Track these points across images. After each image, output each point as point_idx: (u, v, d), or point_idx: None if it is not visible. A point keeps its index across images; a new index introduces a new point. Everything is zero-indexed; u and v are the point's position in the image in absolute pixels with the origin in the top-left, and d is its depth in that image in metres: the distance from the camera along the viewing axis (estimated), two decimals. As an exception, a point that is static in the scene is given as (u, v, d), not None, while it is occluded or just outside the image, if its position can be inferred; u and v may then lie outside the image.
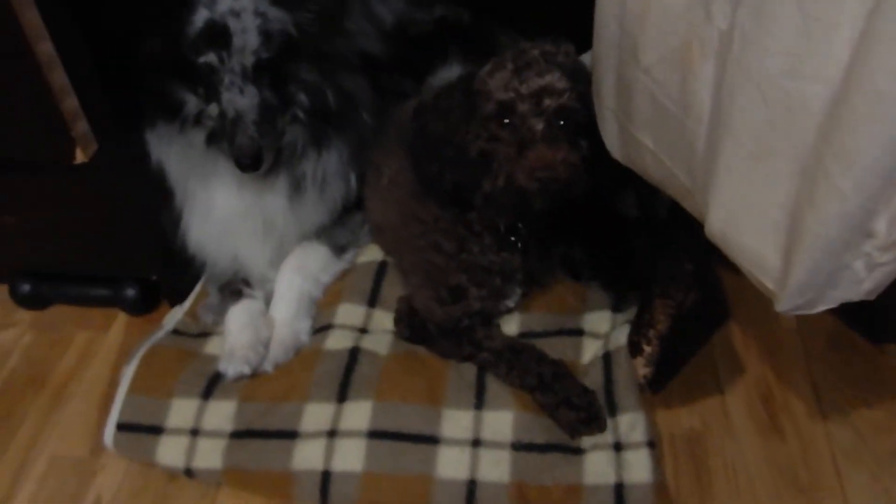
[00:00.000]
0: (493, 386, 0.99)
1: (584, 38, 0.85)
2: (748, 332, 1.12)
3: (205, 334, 1.13)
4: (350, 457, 0.94)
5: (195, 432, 1.00)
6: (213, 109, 1.04)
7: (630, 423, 0.94)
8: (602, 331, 1.06)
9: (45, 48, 0.94)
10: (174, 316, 1.17)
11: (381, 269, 1.17)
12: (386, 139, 1.17)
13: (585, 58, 0.92)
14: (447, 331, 1.02)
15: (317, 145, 1.11)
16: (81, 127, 1.01)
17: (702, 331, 1.13)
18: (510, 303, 1.08)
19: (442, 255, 1.03)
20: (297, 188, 1.11)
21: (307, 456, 0.95)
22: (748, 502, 0.93)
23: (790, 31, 0.54)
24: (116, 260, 1.21)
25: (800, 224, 0.57)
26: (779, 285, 0.61)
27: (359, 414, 0.97)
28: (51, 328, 1.26)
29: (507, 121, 0.90)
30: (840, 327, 1.12)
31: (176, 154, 1.09)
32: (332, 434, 0.96)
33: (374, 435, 0.95)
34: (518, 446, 0.93)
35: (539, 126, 0.88)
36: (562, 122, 0.89)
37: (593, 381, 0.99)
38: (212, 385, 1.04)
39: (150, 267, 1.21)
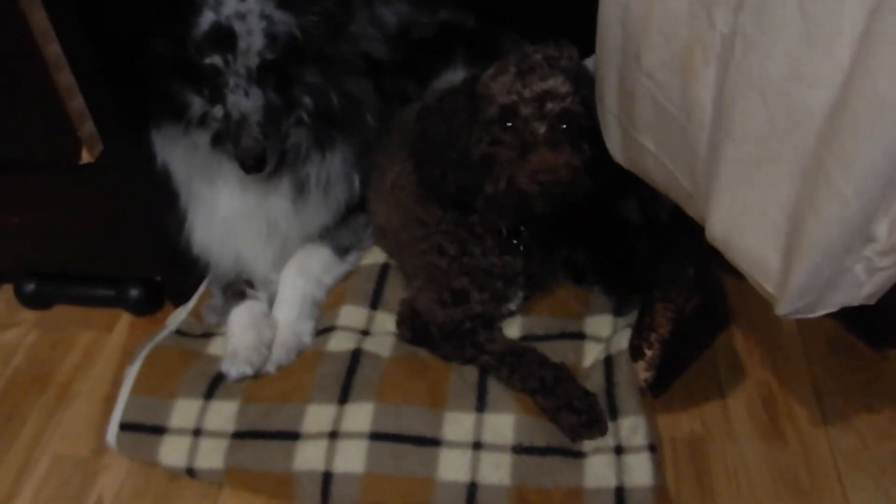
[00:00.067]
0: (495, 389, 0.99)
1: (587, 42, 0.85)
2: (750, 336, 1.12)
3: (208, 335, 1.13)
4: (351, 458, 0.94)
5: (197, 432, 1.00)
6: (217, 111, 1.05)
7: (631, 427, 0.94)
8: (603, 334, 1.06)
9: (53, 49, 0.95)
10: (177, 316, 1.17)
11: (384, 271, 1.17)
12: (389, 142, 1.17)
13: (589, 62, 0.92)
14: (449, 333, 1.02)
15: (320, 147, 1.11)
16: (87, 127, 1.02)
17: (703, 335, 1.13)
18: (512, 306, 1.08)
19: (444, 258, 1.03)
20: (300, 190, 1.12)
21: (309, 457, 0.95)
22: (749, 507, 0.93)
23: (791, 35, 0.54)
24: (120, 260, 1.22)
25: (800, 228, 0.57)
26: (779, 288, 0.61)
27: (360, 415, 0.97)
28: (55, 328, 1.26)
29: (509, 124, 0.90)
30: (841, 332, 1.12)
31: (181, 155, 1.10)
32: (333, 435, 0.96)
33: (376, 437, 0.95)
34: (519, 449, 0.93)
35: (541, 129, 0.88)
36: (564, 126, 0.89)
37: (595, 384, 0.99)
38: (214, 385, 1.04)
39: (154, 267, 1.22)
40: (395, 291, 1.13)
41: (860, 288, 0.58)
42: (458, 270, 1.02)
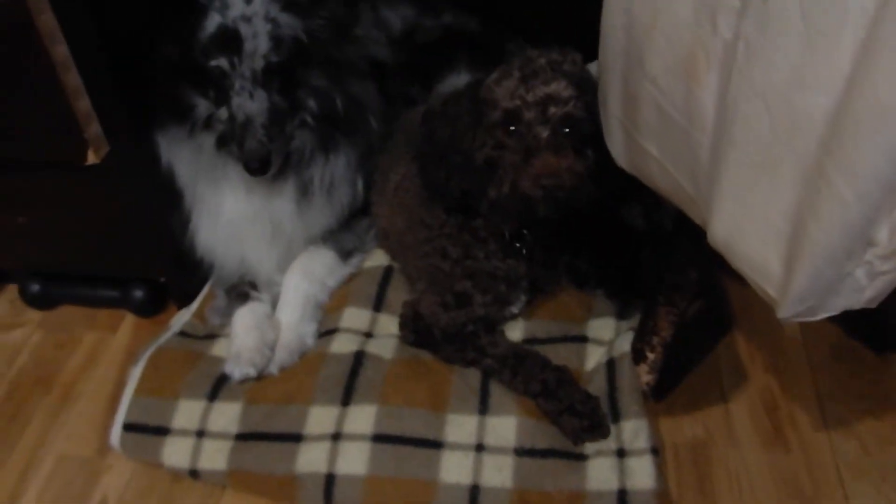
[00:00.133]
0: (497, 391, 0.99)
1: (591, 47, 0.86)
2: (753, 341, 1.12)
3: (211, 336, 1.14)
4: (354, 460, 0.94)
5: (201, 433, 1.00)
6: (223, 113, 1.05)
7: (633, 430, 0.94)
8: (606, 338, 1.06)
9: (60, 50, 0.96)
10: (181, 318, 1.18)
11: (387, 273, 1.18)
12: (393, 145, 1.18)
13: (592, 67, 0.92)
14: (452, 336, 1.03)
15: (325, 150, 1.12)
16: (94, 129, 1.02)
17: (706, 340, 1.13)
18: (515, 309, 1.08)
19: (447, 261, 1.03)
20: (304, 192, 1.12)
21: (311, 459, 0.95)
22: (751, 512, 0.93)
23: (794, 42, 0.54)
24: (125, 261, 1.22)
25: (802, 232, 0.57)
26: (780, 292, 0.61)
27: (363, 418, 0.97)
28: (59, 328, 1.27)
29: (512, 128, 0.91)
30: (844, 338, 1.12)
31: (186, 157, 1.10)
32: (336, 437, 0.96)
33: (378, 439, 0.95)
34: (521, 452, 0.93)
35: (544, 134, 0.89)
36: (567, 131, 0.90)
37: (597, 387, 0.99)
38: (218, 387, 1.04)
39: (158, 269, 1.22)
40: (398, 294, 1.13)
41: (861, 292, 0.58)
42: (462, 273, 1.02)
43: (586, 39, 0.89)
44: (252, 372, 1.03)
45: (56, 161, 1.07)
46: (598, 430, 0.94)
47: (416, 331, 1.05)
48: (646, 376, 0.99)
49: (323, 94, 1.08)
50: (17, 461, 1.07)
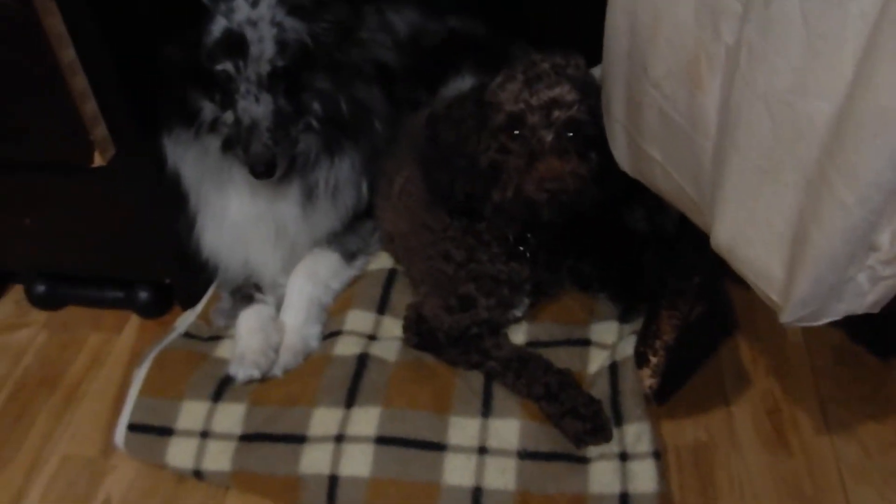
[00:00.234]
0: (500, 394, 0.99)
1: (594, 51, 0.86)
2: (755, 346, 1.13)
3: (216, 338, 1.14)
4: (357, 462, 0.94)
5: (205, 434, 1.01)
6: (228, 116, 1.06)
7: (636, 434, 0.94)
8: (609, 341, 1.06)
9: (67, 53, 0.96)
10: (186, 319, 1.18)
11: (391, 276, 1.18)
12: (398, 148, 1.18)
13: (596, 71, 0.93)
14: (455, 339, 1.03)
15: (330, 153, 1.12)
16: (100, 131, 1.03)
17: (708, 344, 1.13)
18: (518, 312, 1.08)
19: (451, 264, 1.04)
20: (309, 195, 1.12)
21: (315, 460, 0.95)
22: (753, 516, 0.93)
23: (796, 47, 0.55)
24: (130, 263, 1.23)
25: (804, 237, 0.58)
26: (783, 297, 0.61)
27: (366, 420, 0.97)
28: (64, 329, 1.27)
29: (516, 132, 0.91)
30: (847, 342, 1.12)
31: (191, 160, 1.11)
32: (339, 439, 0.96)
33: (382, 441, 0.95)
34: (524, 455, 0.93)
35: (548, 137, 0.89)
36: (571, 134, 0.90)
37: (600, 391, 0.99)
38: (222, 388, 1.05)
39: (163, 270, 1.23)
40: (402, 297, 1.14)
41: (863, 297, 0.58)
42: (465, 277, 1.03)
43: (590, 43, 0.89)
44: (256, 373, 1.04)
45: (62, 163, 1.07)
46: (600, 433, 0.94)
47: (419, 333, 1.06)
48: (648, 380, 0.99)
49: (328, 98, 1.09)
50: (21, 461, 1.07)
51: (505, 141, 0.92)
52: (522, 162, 0.90)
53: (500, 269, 1.03)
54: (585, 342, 1.07)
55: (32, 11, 0.92)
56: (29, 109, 1.02)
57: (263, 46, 1.01)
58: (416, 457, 0.94)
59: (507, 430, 0.96)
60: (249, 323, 1.10)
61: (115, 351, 1.23)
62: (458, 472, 0.93)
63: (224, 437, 1.00)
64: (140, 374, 1.08)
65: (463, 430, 0.96)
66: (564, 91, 0.90)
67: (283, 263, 1.15)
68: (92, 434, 1.10)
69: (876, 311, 0.60)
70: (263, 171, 1.04)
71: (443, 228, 1.04)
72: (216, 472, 0.99)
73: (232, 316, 1.13)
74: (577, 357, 1.04)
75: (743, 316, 1.16)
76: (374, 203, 1.20)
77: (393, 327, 1.11)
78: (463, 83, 1.27)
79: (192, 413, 1.03)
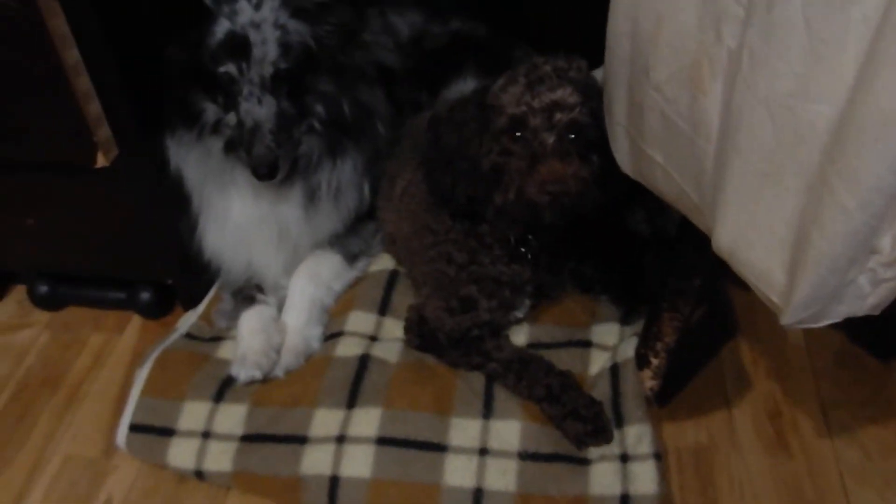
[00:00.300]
0: (501, 396, 1.00)
1: (596, 54, 0.86)
2: (756, 348, 1.13)
3: (217, 338, 1.14)
4: (358, 463, 0.94)
5: (206, 435, 1.01)
6: (231, 118, 1.06)
7: (637, 436, 0.94)
8: (610, 343, 1.06)
9: (72, 54, 0.97)
10: (188, 320, 1.19)
11: (393, 278, 1.18)
12: (400, 150, 1.19)
13: (598, 73, 0.93)
14: (457, 340, 1.03)
15: (332, 155, 1.12)
16: (104, 132, 1.03)
17: (709, 346, 1.13)
18: (519, 314, 1.08)
19: (453, 266, 1.04)
20: (311, 197, 1.13)
21: (316, 461, 0.96)
22: (754, 518, 0.93)
23: (798, 51, 0.55)
24: (132, 263, 1.23)
25: (805, 241, 0.58)
26: (784, 299, 0.62)
27: (368, 420, 0.98)
28: (66, 329, 1.28)
29: (518, 134, 0.91)
30: (848, 345, 1.12)
31: (194, 161, 1.11)
32: (340, 440, 0.97)
33: (383, 442, 0.95)
34: (525, 456, 0.93)
35: (550, 140, 0.89)
36: (573, 137, 0.90)
37: (601, 392, 0.99)
38: (223, 389, 1.05)
39: (165, 271, 1.23)
40: (404, 298, 1.14)
41: (865, 299, 0.58)
42: (467, 278, 1.03)
43: (592, 46, 0.89)
44: (258, 374, 1.04)
45: (65, 163, 1.08)
46: (601, 434, 0.95)
47: (421, 335, 1.06)
48: (649, 381, 0.99)
49: (331, 100, 1.09)
50: (23, 461, 1.07)
51: (507, 143, 0.92)
52: (524, 164, 0.90)
53: (502, 270, 1.03)
54: (586, 344, 1.07)
55: (36, 12, 0.92)
56: (32, 110, 1.02)
57: (266, 49, 1.02)
58: (417, 458, 0.94)
59: (508, 431, 0.96)
60: (251, 324, 1.10)
61: (116, 351, 1.23)
62: (459, 473, 0.93)
63: (225, 437, 1.00)
64: (142, 375, 1.08)
65: (464, 431, 0.96)
66: (566, 94, 0.90)
67: (285, 265, 1.16)
68: (93, 434, 1.10)
69: (877, 313, 0.60)
70: (266, 172, 1.04)
71: (444, 230, 1.04)
72: (217, 473, 0.99)
73: (233, 317, 1.13)
74: (578, 359, 1.05)
75: (744, 318, 1.17)
76: (376, 205, 1.21)
77: (394, 328, 1.11)
78: (465, 85, 1.28)
79: (193, 413, 1.03)
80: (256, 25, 1.02)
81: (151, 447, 1.02)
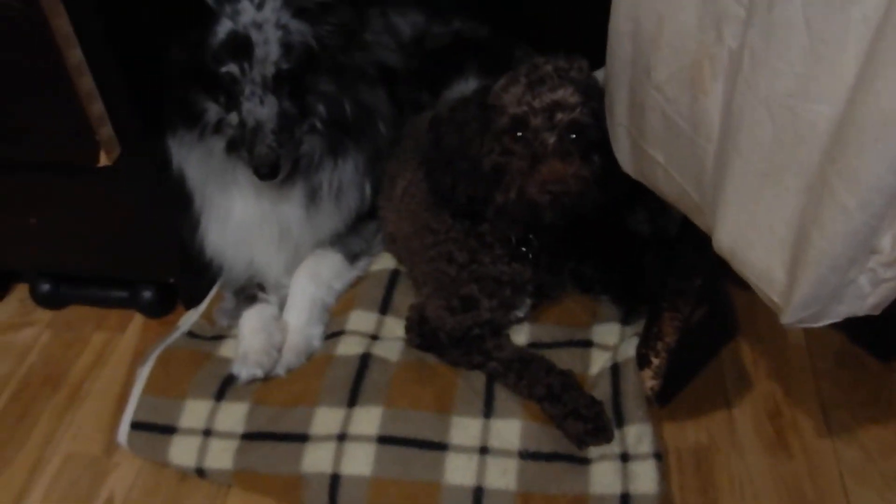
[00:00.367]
0: (502, 394, 1.00)
1: (598, 54, 0.86)
2: (757, 348, 1.13)
3: (219, 337, 1.15)
4: (359, 461, 0.95)
5: (207, 433, 1.01)
6: (233, 118, 1.06)
7: (637, 435, 0.94)
8: (611, 343, 1.07)
9: (74, 54, 0.97)
10: (189, 318, 1.19)
11: (394, 277, 1.18)
12: (401, 150, 1.19)
13: (599, 74, 0.93)
14: (457, 339, 1.03)
15: (333, 155, 1.13)
16: (106, 131, 1.04)
17: (710, 346, 1.13)
18: (520, 313, 1.09)
19: (454, 266, 1.04)
20: (313, 197, 1.13)
21: (317, 459, 0.96)
22: (754, 518, 0.93)
23: (798, 51, 0.55)
24: (134, 262, 1.23)
25: (805, 240, 0.58)
26: (784, 299, 0.62)
27: (368, 419, 0.98)
28: (68, 328, 1.28)
29: (519, 134, 0.91)
30: (848, 345, 1.12)
31: (196, 160, 1.11)
32: (341, 438, 0.97)
33: (384, 440, 0.96)
34: (525, 455, 0.94)
35: (551, 140, 0.89)
36: (573, 136, 0.90)
37: (601, 392, 0.99)
38: (225, 387, 1.05)
39: (167, 270, 1.23)
40: (405, 297, 1.14)
41: (865, 299, 0.58)
42: (468, 278, 1.03)
43: (592, 47, 0.90)
44: (259, 373, 1.04)
45: (68, 163, 1.08)
46: (601, 433, 0.95)
47: (422, 334, 1.06)
48: (650, 381, 0.99)
49: (332, 100, 1.09)
50: (25, 459, 1.08)
51: (508, 143, 0.92)
52: (525, 164, 0.90)
53: (503, 270, 1.03)
54: (587, 343, 1.07)
55: (39, 12, 0.92)
56: (35, 109, 1.03)
57: (268, 49, 1.02)
58: (417, 456, 0.94)
59: (509, 430, 0.96)
60: (252, 323, 1.10)
61: (118, 350, 1.23)
62: (459, 472, 0.93)
63: (227, 435, 1.01)
64: (143, 373, 1.08)
65: (464, 430, 0.96)
66: (567, 94, 0.90)
67: (287, 264, 1.16)
68: (95, 433, 1.10)
69: (877, 313, 0.60)
70: (267, 172, 1.04)
71: (445, 230, 1.05)
72: (218, 471, 0.99)
73: (235, 316, 1.13)
74: (578, 358, 1.05)
75: (744, 318, 1.17)
76: (377, 204, 1.21)
77: (395, 328, 1.11)
78: (467, 85, 1.28)
79: (194, 411, 1.03)
80: (258, 25, 1.02)
81: (153, 445, 1.02)
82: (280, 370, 1.06)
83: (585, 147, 0.91)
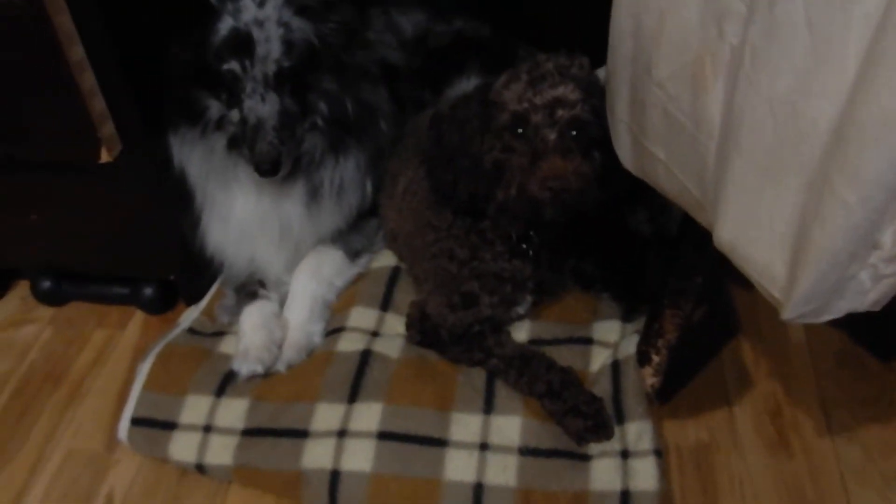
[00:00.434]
0: (502, 391, 1.00)
1: (599, 52, 0.87)
2: (758, 347, 1.13)
3: (220, 334, 1.15)
4: (359, 457, 0.95)
5: (208, 429, 1.01)
6: (234, 115, 1.06)
7: (637, 432, 0.94)
8: (611, 340, 1.07)
9: (76, 51, 0.97)
10: (190, 315, 1.19)
11: (394, 274, 1.19)
12: (402, 148, 1.19)
13: (601, 72, 0.93)
14: (458, 336, 1.03)
15: (335, 153, 1.13)
16: (108, 128, 1.04)
17: (711, 344, 1.13)
18: (521, 310, 1.09)
19: (454, 263, 1.04)
20: (314, 194, 1.13)
21: (317, 455, 0.96)
22: (754, 517, 0.93)
23: (800, 49, 0.55)
24: (135, 259, 1.23)
25: (806, 236, 0.58)
26: (785, 294, 0.62)
27: (369, 415, 0.98)
28: (69, 325, 1.28)
29: (520, 131, 0.91)
30: (849, 344, 1.12)
31: (197, 158, 1.11)
32: (341, 434, 0.97)
33: (384, 436, 0.96)
34: (525, 451, 0.94)
35: (552, 136, 0.89)
36: (574, 133, 0.90)
37: (601, 389, 0.99)
38: (225, 383, 1.06)
39: (168, 267, 1.23)
40: (405, 294, 1.14)
41: (865, 295, 0.58)
42: (468, 275, 1.03)
43: (593, 46, 0.90)
44: (259, 369, 1.04)
45: (69, 160, 1.08)
46: (602, 430, 0.95)
47: (422, 331, 1.06)
48: (650, 379, 0.99)
49: (334, 98, 1.09)
50: (26, 456, 1.08)
51: (509, 140, 0.92)
52: (526, 161, 0.90)
53: (504, 267, 1.03)
54: (588, 341, 1.07)
55: (41, 9, 0.92)
56: (37, 107, 1.03)
57: (270, 46, 1.02)
58: (417, 453, 0.94)
59: (509, 427, 0.96)
60: (253, 319, 1.10)
61: (119, 347, 1.23)
62: (459, 468, 0.93)
63: (227, 431, 1.01)
64: (144, 369, 1.08)
65: (465, 426, 0.97)
66: (568, 90, 0.90)
67: (288, 261, 1.16)
68: (95, 429, 1.10)
69: (877, 309, 0.60)
70: (269, 169, 1.04)
71: (446, 227, 1.05)
72: (219, 467, 0.99)
73: (236, 312, 1.13)
74: (579, 355, 1.05)
75: (745, 317, 1.17)
76: (378, 202, 1.21)
77: (396, 324, 1.11)
78: (468, 84, 1.28)
79: (195, 408, 1.03)
80: (260, 23, 1.02)
81: (153, 441, 1.02)
82: (280, 367, 1.06)
83: (586, 144, 0.91)
